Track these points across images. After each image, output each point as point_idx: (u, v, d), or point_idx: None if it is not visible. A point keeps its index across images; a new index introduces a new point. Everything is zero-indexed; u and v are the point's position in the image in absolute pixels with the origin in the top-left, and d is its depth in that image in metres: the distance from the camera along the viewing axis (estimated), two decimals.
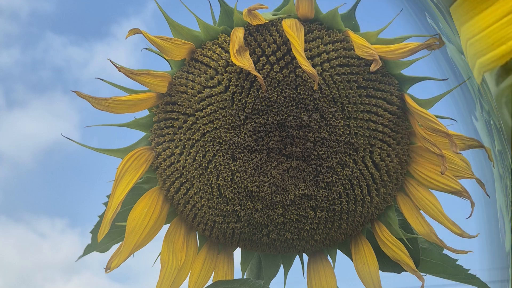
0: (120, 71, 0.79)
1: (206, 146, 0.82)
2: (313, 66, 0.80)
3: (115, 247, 0.85)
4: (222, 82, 0.81)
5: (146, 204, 0.85)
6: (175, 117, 0.83)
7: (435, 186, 0.86)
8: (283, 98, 0.80)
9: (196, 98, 0.81)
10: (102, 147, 0.86)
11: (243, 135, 0.81)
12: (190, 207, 0.86)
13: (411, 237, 0.89)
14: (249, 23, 0.81)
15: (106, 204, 0.89)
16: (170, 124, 0.83)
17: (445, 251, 0.93)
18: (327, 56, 0.81)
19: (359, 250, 0.90)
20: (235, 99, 0.80)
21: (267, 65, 0.80)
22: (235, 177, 0.82)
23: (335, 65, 0.81)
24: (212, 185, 0.83)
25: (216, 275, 0.91)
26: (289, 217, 0.85)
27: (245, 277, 0.94)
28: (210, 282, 0.90)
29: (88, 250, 1.05)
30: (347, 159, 0.82)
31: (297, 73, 0.80)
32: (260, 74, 0.79)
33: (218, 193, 0.83)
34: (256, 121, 0.80)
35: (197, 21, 0.83)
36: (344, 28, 0.84)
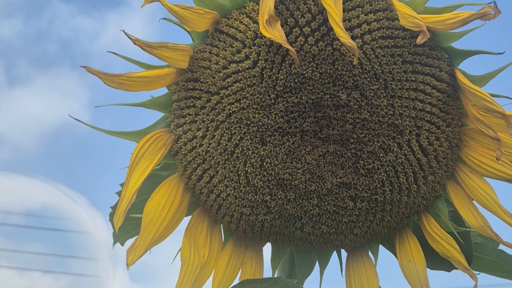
0: (135, 44, 0.77)
1: (232, 128, 0.79)
2: (353, 38, 0.77)
3: (129, 242, 0.83)
4: (250, 56, 0.77)
5: (165, 193, 0.83)
6: (197, 96, 0.80)
7: (490, 173, 0.83)
8: (318, 75, 0.76)
9: (221, 74, 0.78)
10: (114, 129, 0.84)
11: (273, 116, 0.77)
12: (214, 196, 0.83)
13: (463, 230, 0.86)
14: None
15: (119, 193, 0.86)
16: (192, 104, 0.80)
17: (501, 247, 0.91)
18: (368, 27, 0.77)
19: (404, 245, 0.87)
20: (264, 76, 0.77)
21: (300, 37, 0.77)
22: (264, 163, 0.79)
23: (377, 37, 0.77)
24: (239, 172, 0.80)
25: (243, 273, 0.89)
26: (325, 208, 0.82)
27: (276, 275, 0.92)
28: (236, 281, 0.88)
29: None
30: (390, 143, 0.79)
31: (334, 46, 0.76)
32: (293, 47, 0.76)
33: (245, 181, 0.80)
34: (288, 100, 0.77)
35: None
36: None
